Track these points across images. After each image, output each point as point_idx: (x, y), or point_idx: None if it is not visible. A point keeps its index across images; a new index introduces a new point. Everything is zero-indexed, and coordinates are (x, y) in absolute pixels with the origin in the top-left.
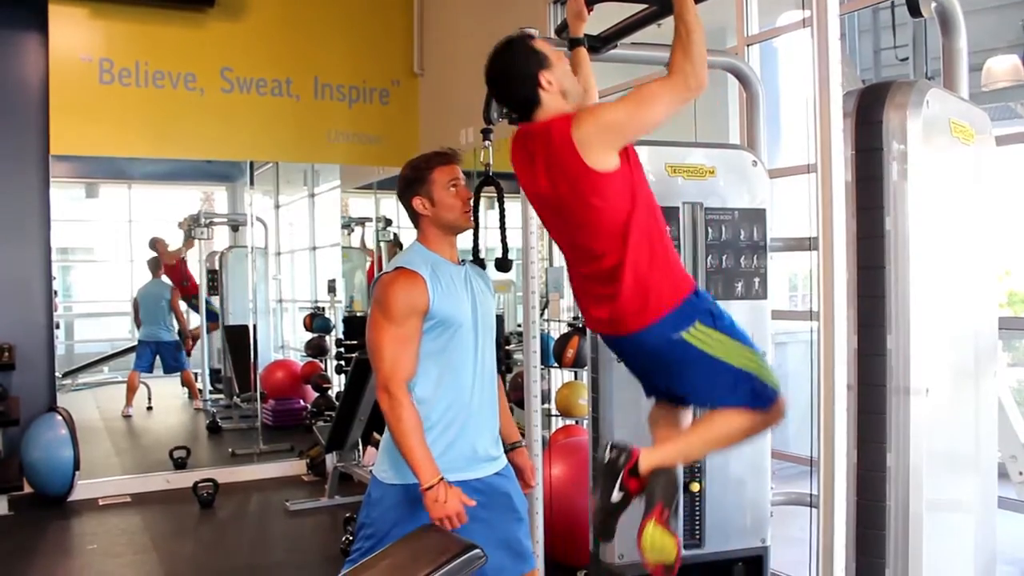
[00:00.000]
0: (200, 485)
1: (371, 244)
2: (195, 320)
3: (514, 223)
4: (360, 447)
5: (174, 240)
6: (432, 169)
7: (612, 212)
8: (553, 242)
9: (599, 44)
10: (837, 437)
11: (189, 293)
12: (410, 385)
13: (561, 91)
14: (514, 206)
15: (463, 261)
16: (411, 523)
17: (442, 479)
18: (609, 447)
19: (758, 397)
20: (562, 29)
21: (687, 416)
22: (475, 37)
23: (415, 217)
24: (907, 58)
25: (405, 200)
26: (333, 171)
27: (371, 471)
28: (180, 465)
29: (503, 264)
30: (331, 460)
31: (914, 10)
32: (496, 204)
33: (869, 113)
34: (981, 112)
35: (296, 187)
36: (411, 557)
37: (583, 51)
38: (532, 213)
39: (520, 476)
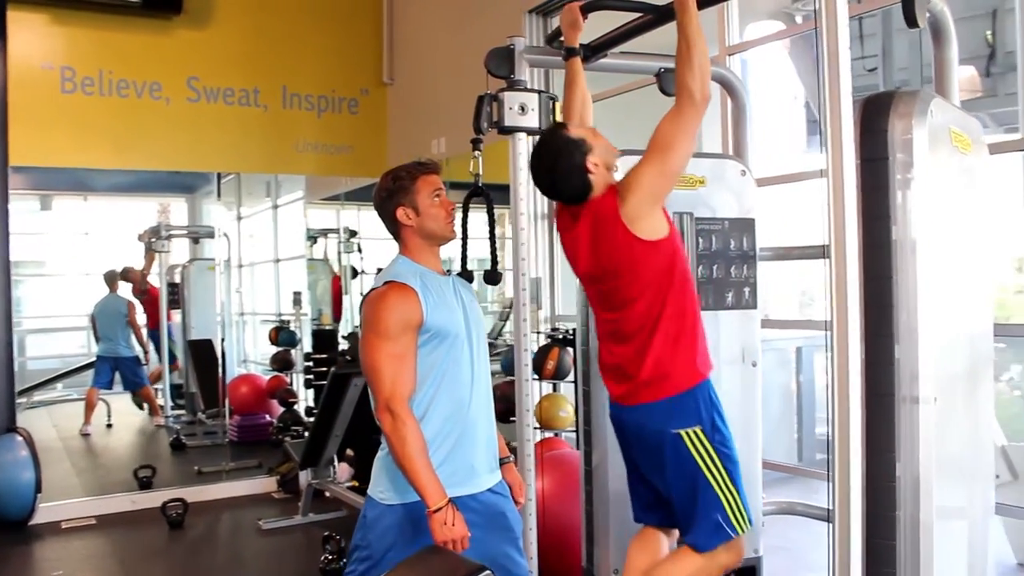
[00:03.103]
0: (169, 505)
1: (337, 255)
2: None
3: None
4: (335, 463)
5: (136, 257)
6: (415, 179)
7: (655, 281)
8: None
9: (589, 53)
10: (852, 449)
11: (151, 303)
12: (409, 402)
13: (606, 167)
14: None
15: (448, 271)
16: (408, 544)
17: (449, 501)
18: None
19: (718, 531)
20: (554, 37)
21: (665, 551)
22: (447, 46)
23: (397, 228)
24: (875, 68)
25: (387, 211)
26: (295, 182)
27: (367, 492)
28: (145, 485)
29: (492, 276)
30: (305, 477)
31: (911, 20)
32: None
33: (873, 123)
34: (975, 120)
35: (257, 198)
36: None
37: (578, 61)
38: (523, 224)
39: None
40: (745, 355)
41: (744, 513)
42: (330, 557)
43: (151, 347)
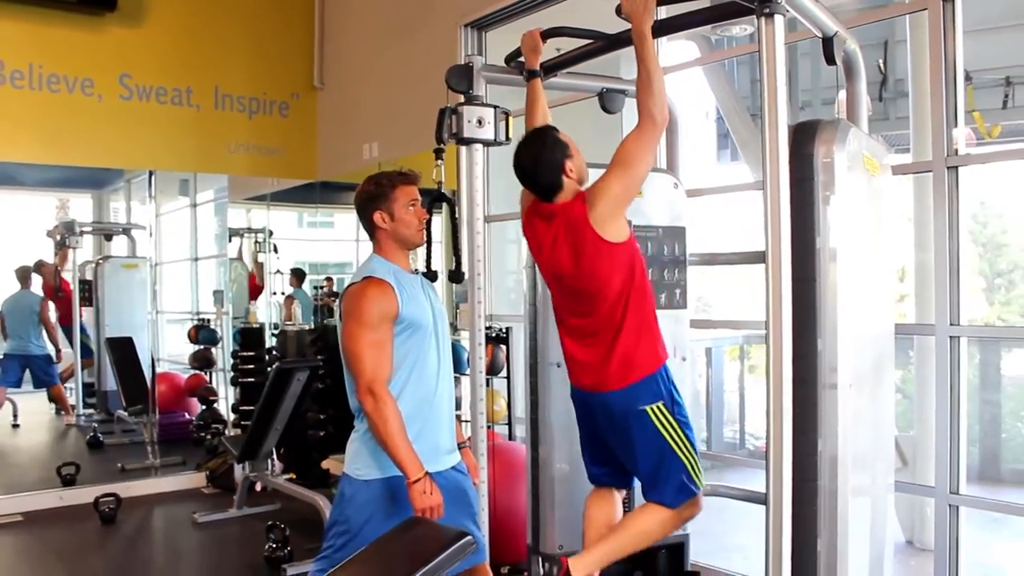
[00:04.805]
0: (102, 500)
1: (257, 254)
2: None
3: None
4: (273, 457)
5: (40, 254)
6: (395, 187)
7: (619, 280)
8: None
9: (543, 73)
10: (784, 428)
11: (64, 302)
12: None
13: (579, 179)
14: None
15: (416, 271)
16: (385, 517)
17: (427, 473)
18: (540, 562)
19: (683, 489)
20: (512, 58)
21: (619, 510)
22: (380, 54)
23: (372, 229)
24: None
25: (366, 213)
26: (211, 181)
27: (343, 471)
28: (69, 482)
29: (455, 276)
30: (240, 471)
31: (829, 58)
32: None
33: (801, 147)
34: (881, 146)
35: (170, 196)
36: (411, 545)
37: (539, 81)
38: (479, 228)
39: None
40: (676, 351)
41: (701, 471)
42: (275, 545)
43: (66, 344)
